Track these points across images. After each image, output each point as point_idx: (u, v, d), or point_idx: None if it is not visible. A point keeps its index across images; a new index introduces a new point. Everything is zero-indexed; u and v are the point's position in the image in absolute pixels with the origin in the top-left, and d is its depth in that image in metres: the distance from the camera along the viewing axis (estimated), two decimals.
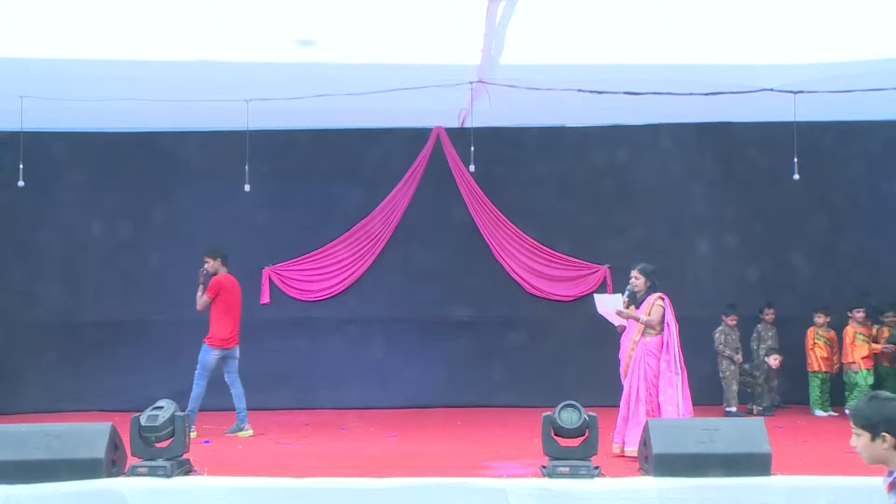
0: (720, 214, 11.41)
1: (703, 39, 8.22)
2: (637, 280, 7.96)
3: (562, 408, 6.86)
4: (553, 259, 11.40)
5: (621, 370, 7.95)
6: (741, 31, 8.06)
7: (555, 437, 6.85)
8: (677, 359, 7.72)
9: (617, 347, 8.46)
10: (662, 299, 7.82)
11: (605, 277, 11.23)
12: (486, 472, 7.13)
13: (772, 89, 9.18)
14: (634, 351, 7.82)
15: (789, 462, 7.02)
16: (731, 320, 10.85)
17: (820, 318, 10.89)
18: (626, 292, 8.02)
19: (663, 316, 7.80)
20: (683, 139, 11.41)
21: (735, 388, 10.68)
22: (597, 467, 6.72)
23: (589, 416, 6.85)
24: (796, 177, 9.51)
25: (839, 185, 11.34)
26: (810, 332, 10.94)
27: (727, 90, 9.29)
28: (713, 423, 6.98)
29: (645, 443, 6.87)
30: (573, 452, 6.80)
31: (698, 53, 8.48)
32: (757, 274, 11.30)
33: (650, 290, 7.91)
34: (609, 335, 9.08)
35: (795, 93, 9.17)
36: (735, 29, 8.03)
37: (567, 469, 6.63)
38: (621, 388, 7.93)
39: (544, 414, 6.88)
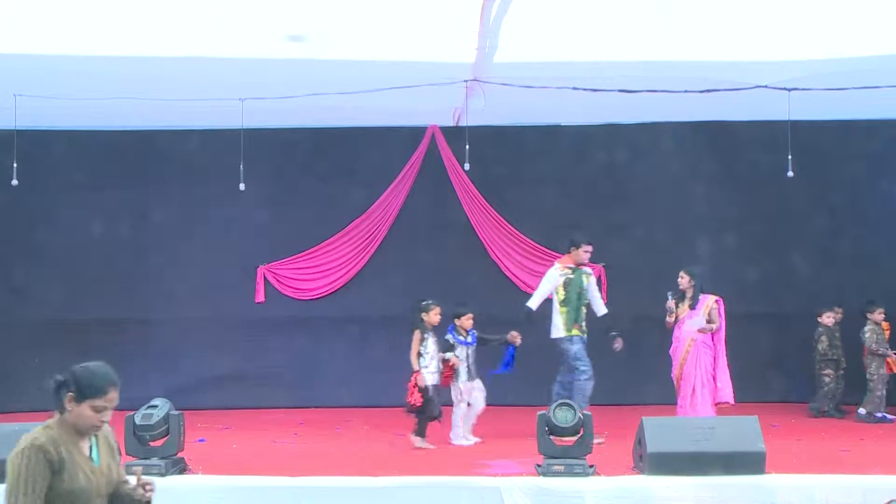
0: (719, 213, 11.32)
1: (697, 36, 8.20)
2: (682, 279, 8.98)
3: (556, 406, 6.86)
4: (547, 257, 11.33)
5: (674, 367, 8.91)
6: (736, 27, 8.06)
7: (550, 436, 6.85)
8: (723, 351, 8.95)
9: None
10: (717, 302, 8.91)
11: (599, 276, 11.17)
12: (480, 470, 7.12)
13: (766, 86, 9.16)
14: (692, 347, 8.78)
15: (784, 460, 7.03)
16: (878, 316, 10.11)
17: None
18: (671, 293, 8.96)
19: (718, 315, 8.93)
20: (682, 138, 11.32)
21: (881, 392, 9.92)
22: (591, 466, 6.73)
23: (584, 414, 6.85)
24: (790, 174, 9.50)
25: (839, 184, 11.25)
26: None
27: (722, 87, 9.28)
28: (708, 421, 6.98)
29: (640, 441, 6.88)
30: (568, 451, 6.81)
31: (693, 50, 8.45)
32: (756, 273, 11.22)
33: (697, 290, 8.91)
34: (605, 334, 9.12)
35: (790, 90, 9.17)
36: (730, 25, 8.02)
37: (562, 467, 6.64)
38: (671, 383, 8.94)
39: (539, 412, 6.89)
